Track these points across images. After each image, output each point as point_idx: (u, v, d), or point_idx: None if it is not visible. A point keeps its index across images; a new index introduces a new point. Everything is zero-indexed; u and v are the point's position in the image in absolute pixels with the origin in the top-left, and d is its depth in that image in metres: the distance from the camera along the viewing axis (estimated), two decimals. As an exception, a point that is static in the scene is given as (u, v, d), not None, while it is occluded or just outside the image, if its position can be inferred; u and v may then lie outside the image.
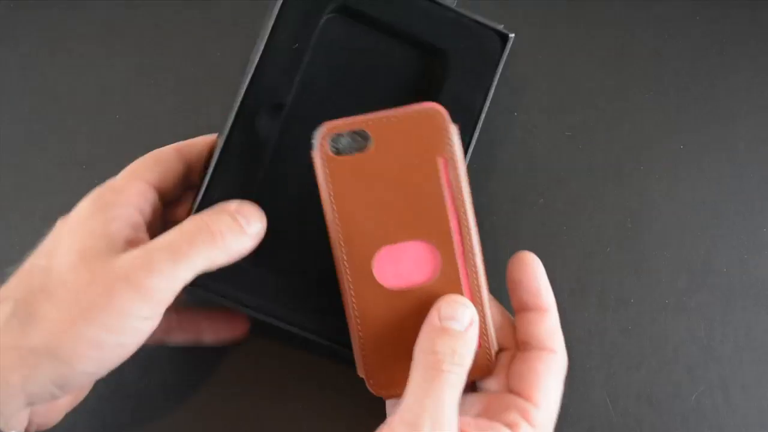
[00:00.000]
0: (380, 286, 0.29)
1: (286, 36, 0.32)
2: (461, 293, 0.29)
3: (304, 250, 0.32)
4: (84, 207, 0.29)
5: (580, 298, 0.38)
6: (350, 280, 0.29)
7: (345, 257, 0.29)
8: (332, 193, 0.28)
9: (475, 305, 0.29)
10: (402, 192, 0.28)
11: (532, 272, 0.30)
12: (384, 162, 0.28)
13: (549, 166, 0.40)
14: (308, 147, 0.29)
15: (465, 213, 0.29)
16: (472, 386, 0.31)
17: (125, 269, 0.26)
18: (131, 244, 0.27)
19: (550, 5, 0.42)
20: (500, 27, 0.33)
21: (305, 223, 0.31)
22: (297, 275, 0.32)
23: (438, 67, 0.33)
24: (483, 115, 0.33)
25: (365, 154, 0.28)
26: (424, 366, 0.26)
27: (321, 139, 0.28)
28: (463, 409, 0.30)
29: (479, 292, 0.29)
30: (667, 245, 0.39)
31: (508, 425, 0.27)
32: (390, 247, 0.29)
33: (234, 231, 0.28)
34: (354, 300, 0.29)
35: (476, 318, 0.28)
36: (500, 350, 0.30)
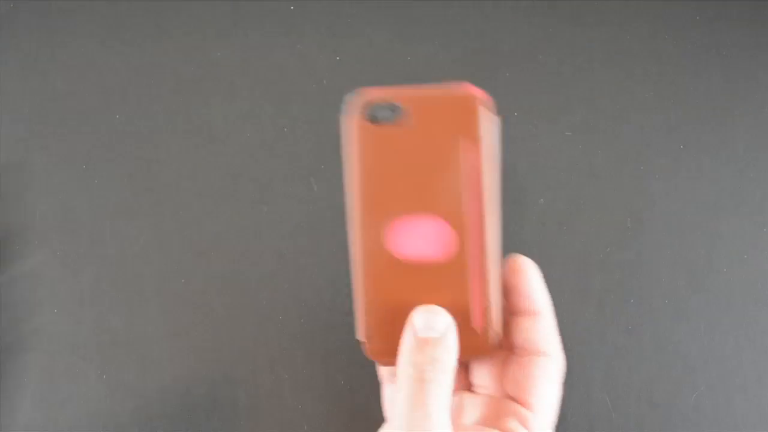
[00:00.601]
0: (390, 255, 0.29)
1: None
2: (467, 276, 0.29)
3: None
4: None
5: (580, 298, 0.38)
6: (363, 243, 0.29)
7: (361, 221, 0.29)
8: (357, 158, 0.29)
9: (481, 290, 0.29)
10: (426, 167, 0.29)
11: (525, 276, 0.29)
12: (413, 136, 0.29)
13: (549, 166, 0.40)
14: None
15: (487, 197, 0.29)
16: (467, 374, 0.31)
17: None
18: None
19: (550, 5, 0.42)
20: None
21: None
22: None
23: None
24: None
25: (396, 125, 0.29)
26: (407, 378, 0.26)
27: (356, 105, 0.29)
28: (460, 415, 0.30)
29: (485, 275, 0.29)
30: (667, 245, 0.39)
31: None
32: (406, 218, 0.29)
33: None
34: (364, 263, 0.29)
35: (452, 323, 0.28)
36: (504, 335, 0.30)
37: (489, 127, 0.29)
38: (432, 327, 0.27)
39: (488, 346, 0.29)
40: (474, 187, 0.29)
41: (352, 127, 0.29)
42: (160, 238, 0.39)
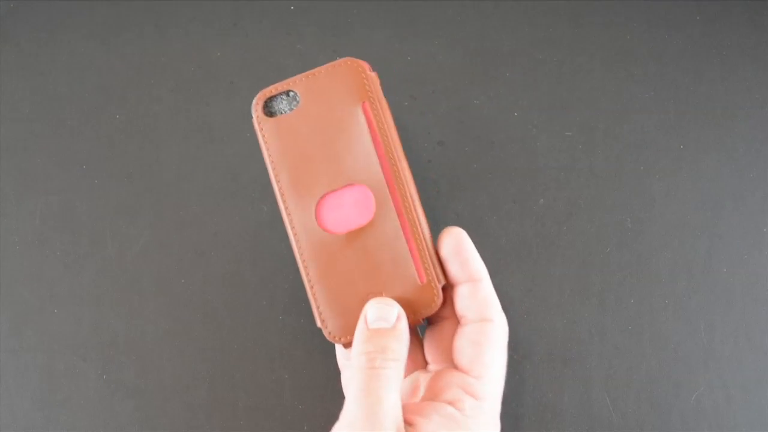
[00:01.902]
0: (324, 234, 0.30)
1: None
2: (399, 229, 0.30)
3: None
4: None
5: (580, 298, 0.38)
6: (295, 231, 0.30)
7: (288, 210, 0.30)
8: (270, 152, 0.31)
9: (414, 238, 0.30)
10: (332, 141, 0.30)
11: (458, 245, 0.30)
12: (313, 116, 0.31)
13: (549, 166, 0.40)
14: None
15: (392, 151, 0.30)
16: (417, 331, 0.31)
17: None
18: None
19: (550, 5, 0.42)
20: None
21: None
22: None
23: None
24: None
25: (297, 111, 0.31)
26: (359, 368, 0.27)
27: (255, 105, 0.31)
28: (415, 393, 0.30)
29: (417, 225, 0.30)
30: (667, 245, 0.39)
31: (451, 402, 0.28)
32: (329, 195, 0.30)
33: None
34: (302, 249, 0.30)
35: (402, 312, 0.29)
36: (446, 285, 0.30)
37: (376, 86, 0.31)
38: (383, 317, 0.28)
39: (434, 296, 0.30)
40: (381, 144, 0.30)
41: (257, 125, 0.31)
42: (160, 238, 0.39)
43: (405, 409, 0.27)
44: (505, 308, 0.32)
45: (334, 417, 0.37)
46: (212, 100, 0.41)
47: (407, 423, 0.27)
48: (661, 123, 0.41)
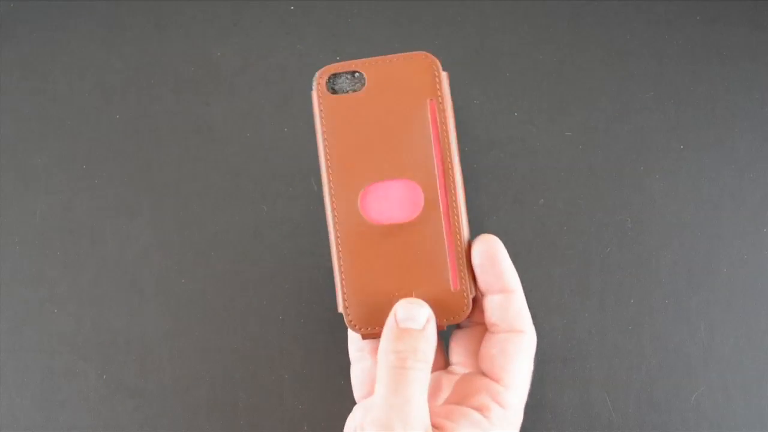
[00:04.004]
0: (365, 222, 0.30)
1: None
2: (442, 233, 0.29)
3: None
4: None
5: (580, 298, 0.38)
6: (336, 214, 0.30)
7: (332, 191, 0.30)
8: (325, 129, 0.30)
9: (455, 244, 0.29)
10: (391, 131, 0.30)
11: (494, 255, 0.30)
12: (376, 102, 0.30)
13: (549, 166, 0.40)
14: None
15: (450, 154, 0.30)
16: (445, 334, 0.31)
17: None
18: None
19: (550, 5, 0.42)
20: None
21: None
22: None
23: None
24: None
25: (359, 93, 0.30)
26: (388, 366, 0.27)
27: (318, 78, 0.30)
28: (437, 394, 0.30)
29: (460, 232, 0.30)
30: (667, 245, 0.39)
31: (479, 409, 0.28)
32: (377, 184, 0.30)
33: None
34: (339, 232, 0.30)
35: (432, 314, 0.28)
36: (476, 296, 0.30)
37: (446, 86, 0.30)
38: (413, 318, 0.28)
39: (464, 305, 0.29)
40: (439, 144, 0.30)
41: (316, 100, 0.30)
42: (160, 238, 0.39)
43: (433, 412, 0.27)
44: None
45: (334, 417, 0.37)
46: (212, 100, 0.41)
47: (435, 427, 0.27)
48: (661, 123, 0.41)
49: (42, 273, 0.39)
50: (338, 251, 0.30)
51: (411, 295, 0.29)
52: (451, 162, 0.30)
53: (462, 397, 0.29)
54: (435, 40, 0.42)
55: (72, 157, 0.40)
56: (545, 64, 0.41)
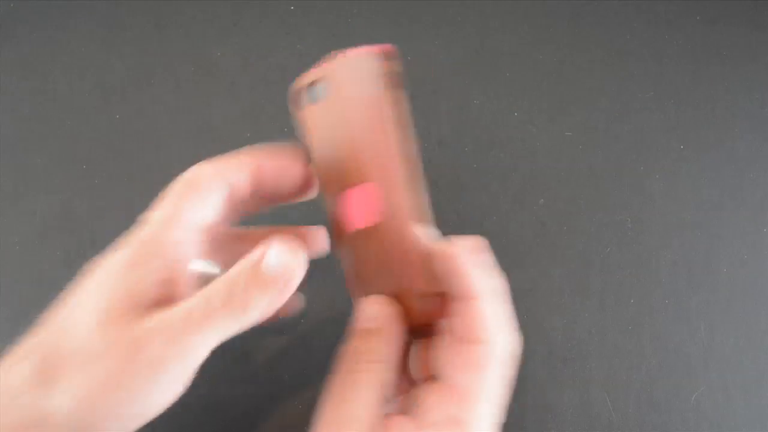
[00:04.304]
0: (344, 225, 0.30)
1: None
2: (403, 233, 0.29)
3: None
4: (115, 260, 0.26)
5: (580, 298, 0.38)
6: (328, 216, 0.30)
7: (325, 201, 0.30)
8: (309, 142, 0.30)
9: (414, 245, 0.29)
10: (353, 135, 0.29)
11: (452, 260, 0.27)
12: (338, 106, 0.30)
13: (549, 166, 0.40)
14: None
15: (399, 151, 0.29)
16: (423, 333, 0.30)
17: (141, 340, 0.24)
18: (160, 303, 0.25)
19: (550, 5, 0.42)
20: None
21: None
22: None
23: None
24: None
25: (327, 100, 0.30)
26: (341, 370, 0.27)
27: (291, 94, 0.31)
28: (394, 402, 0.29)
29: (420, 231, 0.29)
30: (667, 245, 0.39)
31: (434, 425, 0.26)
32: (350, 190, 0.30)
33: (264, 306, 0.25)
34: (336, 241, 0.31)
35: (393, 315, 0.28)
36: (443, 294, 0.29)
37: (392, 79, 0.29)
38: (372, 318, 0.28)
39: (427, 307, 0.29)
40: (390, 143, 0.29)
41: (295, 114, 0.30)
42: (160, 238, 0.39)
43: (389, 425, 0.26)
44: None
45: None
46: (212, 100, 0.41)
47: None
48: (661, 123, 0.41)
49: (42, 273, 0.39)
50: (343, 255, 0.30)
51: (380, 300, 0.29)
52: (404, 159, 0.29)
53: (421, 411, 0.27)
54: (435, 40, 0.42)
55: (72, 157, 0.40)
56: (545, 64, 0.41)
